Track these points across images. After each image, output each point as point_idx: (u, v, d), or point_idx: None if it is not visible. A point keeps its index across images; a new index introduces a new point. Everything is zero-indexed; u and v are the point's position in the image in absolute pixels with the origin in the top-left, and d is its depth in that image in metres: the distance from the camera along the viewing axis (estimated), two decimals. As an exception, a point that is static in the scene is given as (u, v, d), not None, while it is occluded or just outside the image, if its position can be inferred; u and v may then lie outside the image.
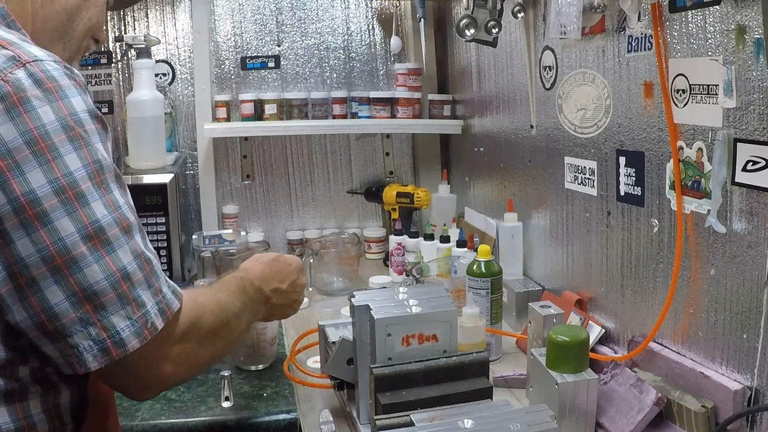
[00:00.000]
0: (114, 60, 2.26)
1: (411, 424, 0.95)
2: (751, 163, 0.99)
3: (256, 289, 1.15)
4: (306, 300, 1.89)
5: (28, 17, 0.92)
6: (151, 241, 0.95)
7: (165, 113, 2.13)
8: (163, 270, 0.90)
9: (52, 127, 0.78)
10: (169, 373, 0.89)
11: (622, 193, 1.32)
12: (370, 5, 2.37)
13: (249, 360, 1.52)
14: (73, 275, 0.78)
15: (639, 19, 1.22)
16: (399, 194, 2.19)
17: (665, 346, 1.22)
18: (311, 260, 1.97)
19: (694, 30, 1.09)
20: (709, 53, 1.06)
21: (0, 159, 0.75)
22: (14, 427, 0.81)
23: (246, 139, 2.34)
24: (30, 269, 0.77)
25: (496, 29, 1.60)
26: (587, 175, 1.44)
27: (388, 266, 2.09)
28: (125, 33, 2.23)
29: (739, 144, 1.01)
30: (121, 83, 2.27)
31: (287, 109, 2.27)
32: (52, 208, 0.77)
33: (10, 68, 0.77)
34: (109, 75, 2.27)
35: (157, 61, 2.21)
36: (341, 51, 2.37)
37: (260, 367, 1.52)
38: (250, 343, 1.50)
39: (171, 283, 0.90)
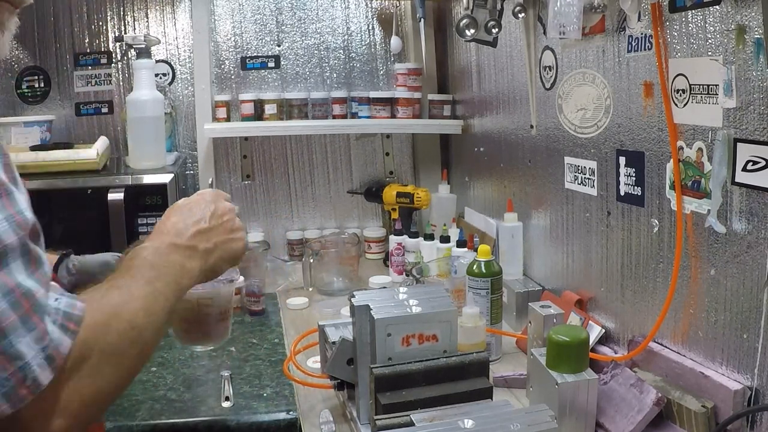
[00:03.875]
0: (114, 60, 2.26)
1: (411, 424, 0.95)
2: (751, 163, 0.99)
3: (171, 249, 0.92)
4: (306, 300, 1.89)
5: None
6: (151, 241, 0.92)
7: (165, 113, 2.13)
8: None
9: None
10: (63, 427, 0.70)
11: (622, 193, 1.32)
12: (370, 5, 2.37)
13: (190, 338, 1.30)
14: None
15: (639, 19, 1.22)
16: (399, 194, 2.19)
17: (665, 346, 1.22)
18: (311, 260, 1.97)
19: (694, 30, 1.09)
20: (709, 53, 1.06)
21: None
22: None
23: (246, 139, 2.34)
24: None
25: (496, 29, 1.60)
26: (587, 175, 1.44)
27: (388, 266, 2.09)
28: (125, 33, 2.23)
29: (739, 144, 1.01)
30: (121, 83, 2.27)
31: (287, 109, 2.27)
32: None
33: None
34: (109, 75, 2.27)
35: (157, 61, 2.21)
36: (341, 51, 2.37)
37: (209, 347, 1.37)
38: (190, 316, 1.25)
39: (61, 305, 0.69)
